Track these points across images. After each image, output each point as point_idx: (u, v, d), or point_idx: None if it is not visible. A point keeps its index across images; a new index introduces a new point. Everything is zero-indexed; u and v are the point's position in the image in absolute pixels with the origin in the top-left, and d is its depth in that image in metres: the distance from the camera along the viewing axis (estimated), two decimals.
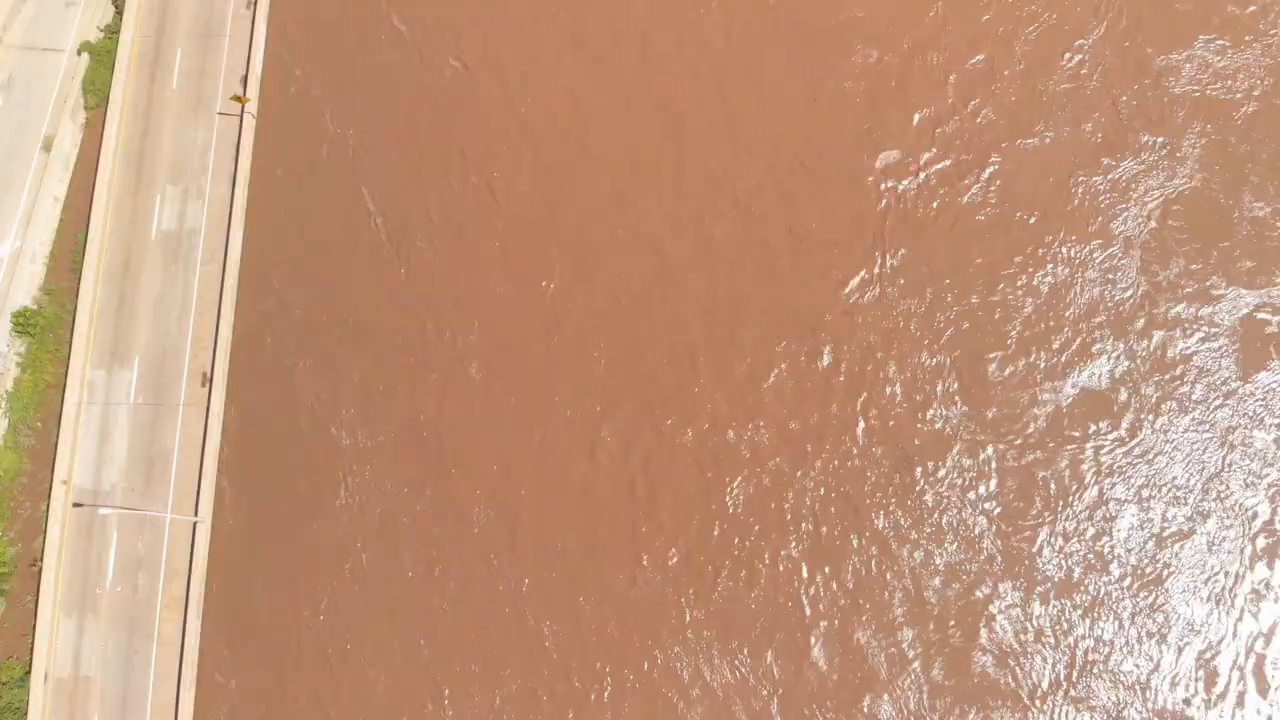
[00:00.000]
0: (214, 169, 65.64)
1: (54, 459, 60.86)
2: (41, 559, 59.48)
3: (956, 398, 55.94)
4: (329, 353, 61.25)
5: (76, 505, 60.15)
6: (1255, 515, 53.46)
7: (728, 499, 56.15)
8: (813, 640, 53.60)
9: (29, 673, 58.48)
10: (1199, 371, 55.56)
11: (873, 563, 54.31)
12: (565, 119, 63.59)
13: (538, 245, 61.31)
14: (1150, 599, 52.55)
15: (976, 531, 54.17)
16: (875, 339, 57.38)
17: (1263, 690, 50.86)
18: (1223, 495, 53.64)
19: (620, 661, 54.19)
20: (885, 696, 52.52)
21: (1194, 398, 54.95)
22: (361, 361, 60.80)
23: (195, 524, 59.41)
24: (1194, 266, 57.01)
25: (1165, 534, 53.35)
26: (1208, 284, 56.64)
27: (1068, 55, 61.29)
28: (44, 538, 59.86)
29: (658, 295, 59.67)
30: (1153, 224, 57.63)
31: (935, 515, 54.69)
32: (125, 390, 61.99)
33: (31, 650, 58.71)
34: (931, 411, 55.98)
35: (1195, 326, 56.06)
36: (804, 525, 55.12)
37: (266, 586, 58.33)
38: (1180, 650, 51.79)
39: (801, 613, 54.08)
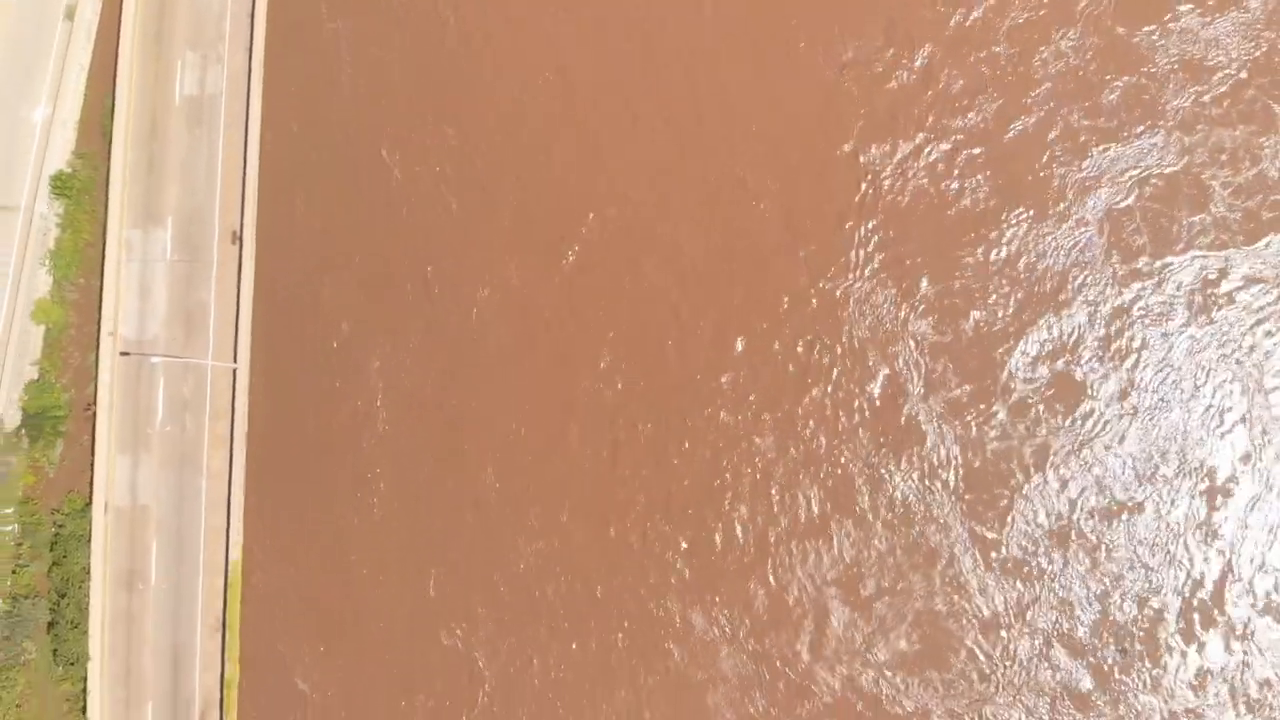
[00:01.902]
0: (230, 36, 68.48)
1: (99, 312, 65.71)
2: (95, 403, 64.96)
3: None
4: (350, 211, 65.36)
5: (123, 354, 65.30)
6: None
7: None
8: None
9: (89, 504, 64.69)
10: (1156, 363, 55.92)
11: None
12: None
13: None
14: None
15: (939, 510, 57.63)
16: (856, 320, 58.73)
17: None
18: None
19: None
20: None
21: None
22: (378, 214, 64.80)
23: (234, 370, 64.74)
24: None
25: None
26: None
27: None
28: (95, 384, 65.21)
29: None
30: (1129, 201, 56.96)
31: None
32: (161, 248, 66.43)
33: (91, 485, 64.78)
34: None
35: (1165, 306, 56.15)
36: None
37: (302, 423, 64.00)
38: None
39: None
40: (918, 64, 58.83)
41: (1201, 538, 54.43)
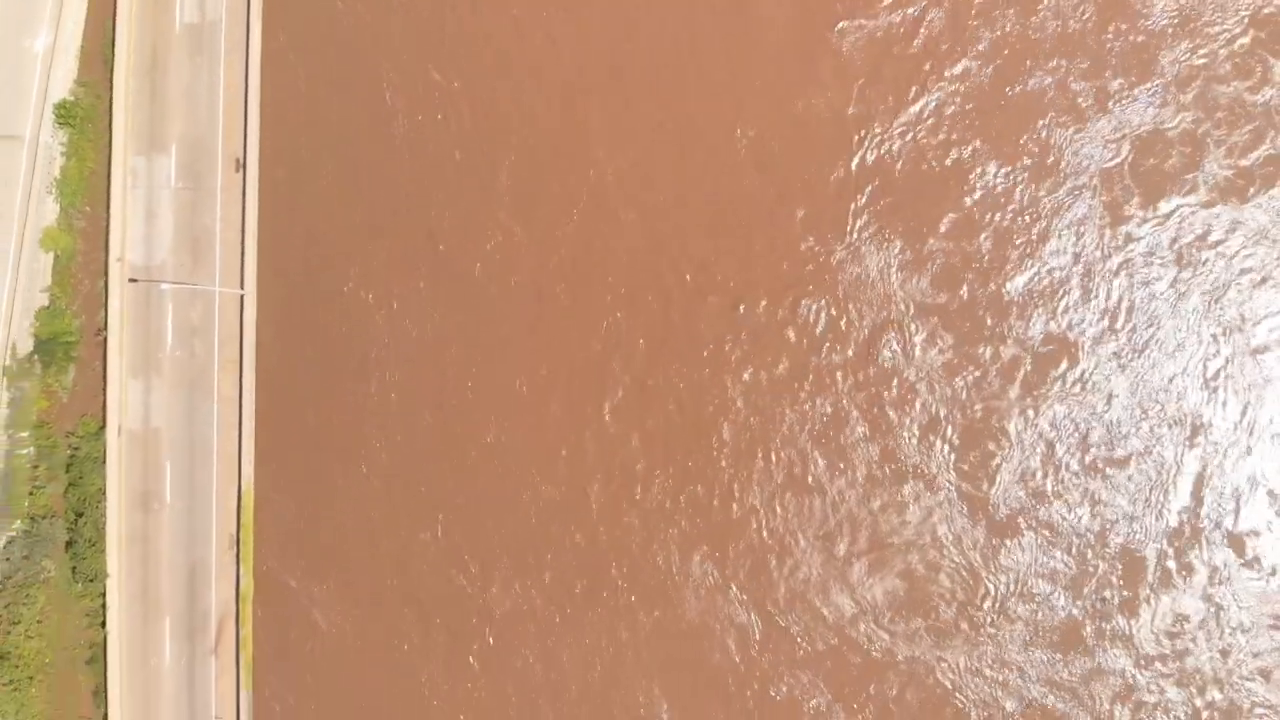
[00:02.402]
0: None
1: (106, 239, 66.79)
2: (105, 328, 66.35)
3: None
4: (353, 139, 66.23)
5: (132, 280, 66.53)
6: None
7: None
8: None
9: (103, 427, 66.40)
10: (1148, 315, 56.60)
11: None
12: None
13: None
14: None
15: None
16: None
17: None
18: None
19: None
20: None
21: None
22: (378, 142, 65.72)
23: (241, 296, 66.07)
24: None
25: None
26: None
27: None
28: (105, 310, 66.54)
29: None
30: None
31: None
32: (165, 175, 67.32)
33: (104, 408, 66.42)
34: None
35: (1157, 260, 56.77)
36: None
37: (309, 347, 65.53)
38: None
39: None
40: (915, 17, 58.31)
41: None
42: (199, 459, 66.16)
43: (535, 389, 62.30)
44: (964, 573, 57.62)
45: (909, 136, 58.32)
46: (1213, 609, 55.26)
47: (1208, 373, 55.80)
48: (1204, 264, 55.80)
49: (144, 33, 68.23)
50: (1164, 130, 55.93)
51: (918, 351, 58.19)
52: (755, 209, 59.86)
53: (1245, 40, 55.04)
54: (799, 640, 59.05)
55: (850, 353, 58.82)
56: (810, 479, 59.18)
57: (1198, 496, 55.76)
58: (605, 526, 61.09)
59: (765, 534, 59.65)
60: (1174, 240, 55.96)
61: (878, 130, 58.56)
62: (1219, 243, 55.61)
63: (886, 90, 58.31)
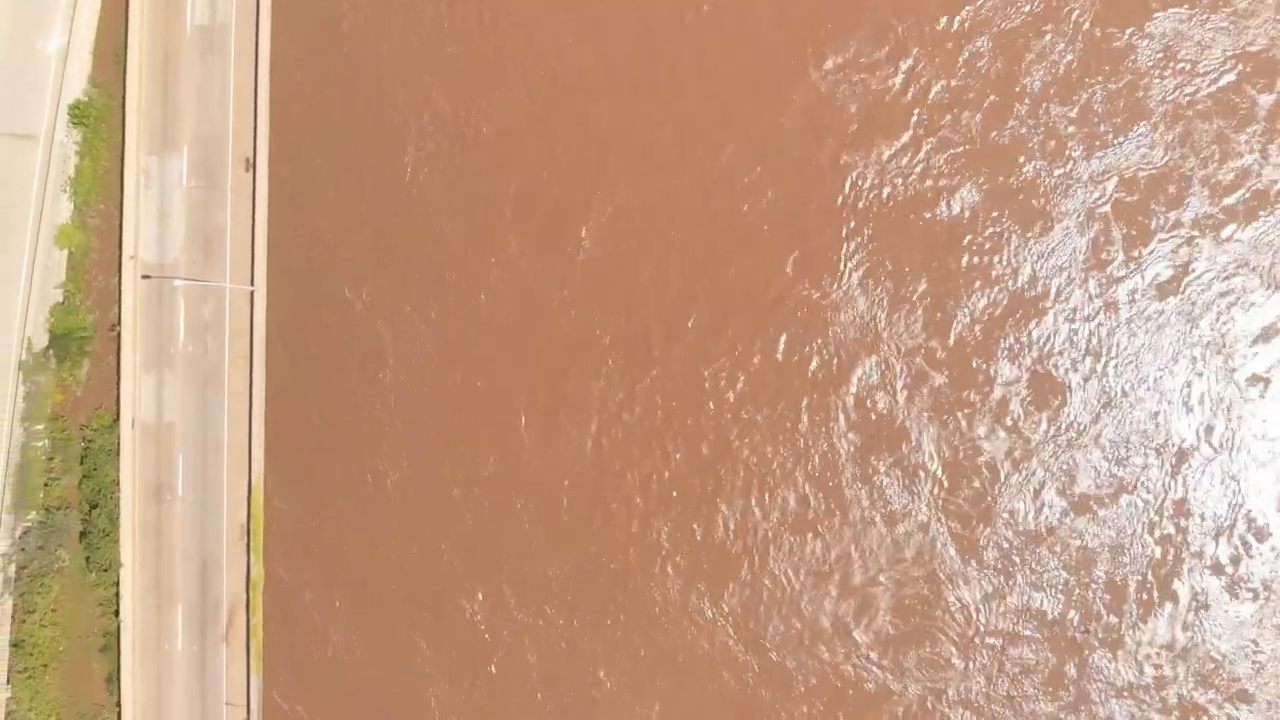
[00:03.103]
0: None
1: (119, 237, 68.31)
2: (119, 324, 67.88)
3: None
4: (361, 138, 67.72)
5: (145, 277, 68.06)
6: None
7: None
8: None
9: (117, 420, 67.96)
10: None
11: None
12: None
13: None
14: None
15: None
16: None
17: None
18: None
19: None
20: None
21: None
22: (385, 139, 67.17)
23: (251, 292, 67.61)
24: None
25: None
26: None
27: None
28: (119, 306, 68.06)
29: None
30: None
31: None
32: (177, 175, 68.83)
33: (118, 402, 67.97)
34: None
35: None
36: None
37: (317, 341, 67.08)
38: None
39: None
40: (903, 68, 59.71)
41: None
42: (210, 452, 67.73)
43: (537, 420, 63.75)
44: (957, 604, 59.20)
45: (898, 179, 59.61)
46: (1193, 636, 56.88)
47: (1193, 400, 57.26)
48: (1189, 294, 57.15)
49: (156, 35, 69.71)
50: (1149, 169, 57.20)
51: (905, 391, 59.55)
52: (750, 248, 61.19)
53: (1229, 78, 56.38)
54: (795, 676, 60.57)
55: (839, 390, 60.12)
56: (808, 514, 60.61)
57: (1184, 522, 57.26)
58: (607, 556, 62.59)
59: (758, 567, 61.04)
60: (1158, 276, 57.27)
61: (868, 173, 59.81)
62: (1203, 274, 56.97)
63: (878, 134, 59.61)
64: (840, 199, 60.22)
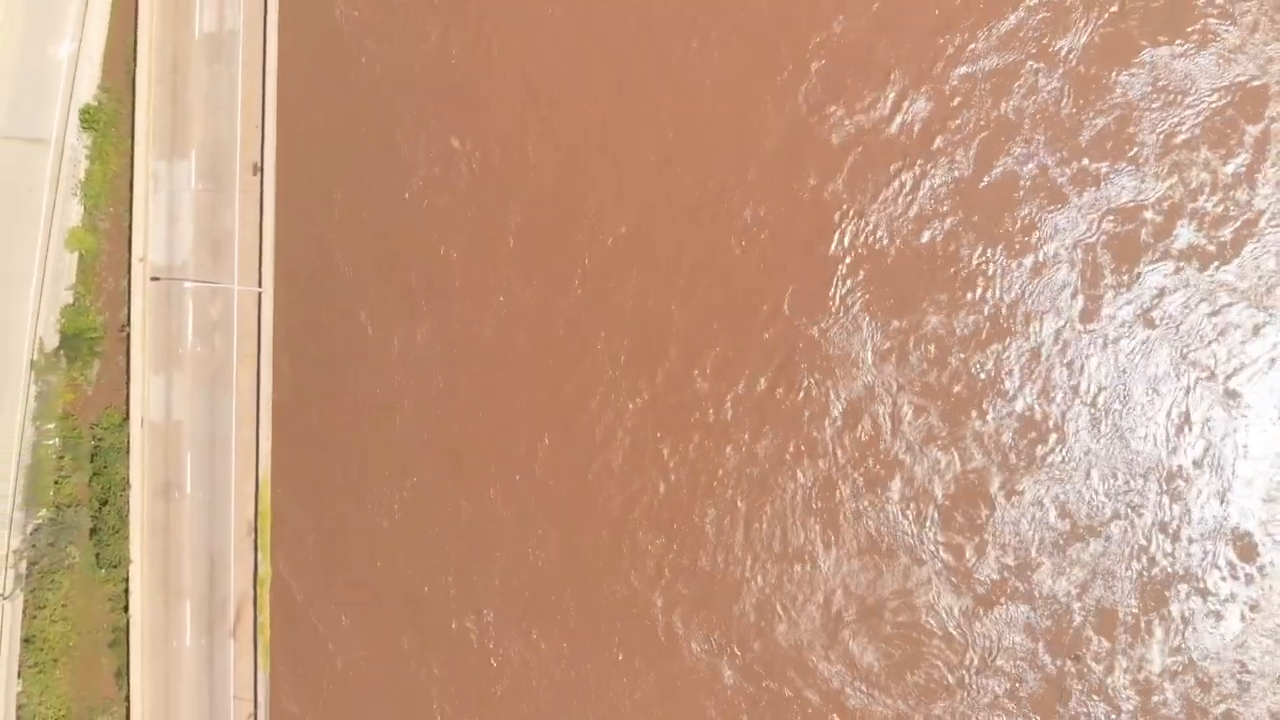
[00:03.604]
0: None
1: (129, 239, 69.68)
2: (129, 325, 69.24)
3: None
4: (364, 145, 69.17)
5: (154, 279, 69.44)
6: None
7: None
8: None
9: (126, 419, 69.32)
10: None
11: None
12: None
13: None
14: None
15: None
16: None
17: None
18: None
19: None
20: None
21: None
22: (393, 143, 68.61)
23: (259, 293, 69.01)
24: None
25: None
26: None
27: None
28: (128, 307, 69.43)
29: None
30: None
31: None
32: (186, 179, 70.21)
33: (128, 401, 69.34)
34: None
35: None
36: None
37: (323, 343, 68.51)
38: None
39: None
40: (893, 104, 60.76)
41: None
42: (218, 450, 69.12)
43: (536, 454, 65.18)
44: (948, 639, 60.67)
45: (891, 217, 60.88)
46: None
47: (1181, 423, 58.41)
48: (1180, 326, 58.33)
49: (164, 41, 71.09)
50: (1140, 202, 58.38)
51: (896, 426, 60.78)
52: (746, 284, 62.42)
53: (1218, 110, 57.58)
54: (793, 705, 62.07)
55: (834, 426, 61.37)
56: (803, 549, 62.02)
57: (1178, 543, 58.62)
58: (608, 585, 64.03)
59: (757, 600, 62.43)
60: (1148, 308, 58.45)
61: (861, 212, 61.11)
62: (1193, 308, 58.28)
63: (870, 174, 60.88)
64: (833, 236, 61.46)
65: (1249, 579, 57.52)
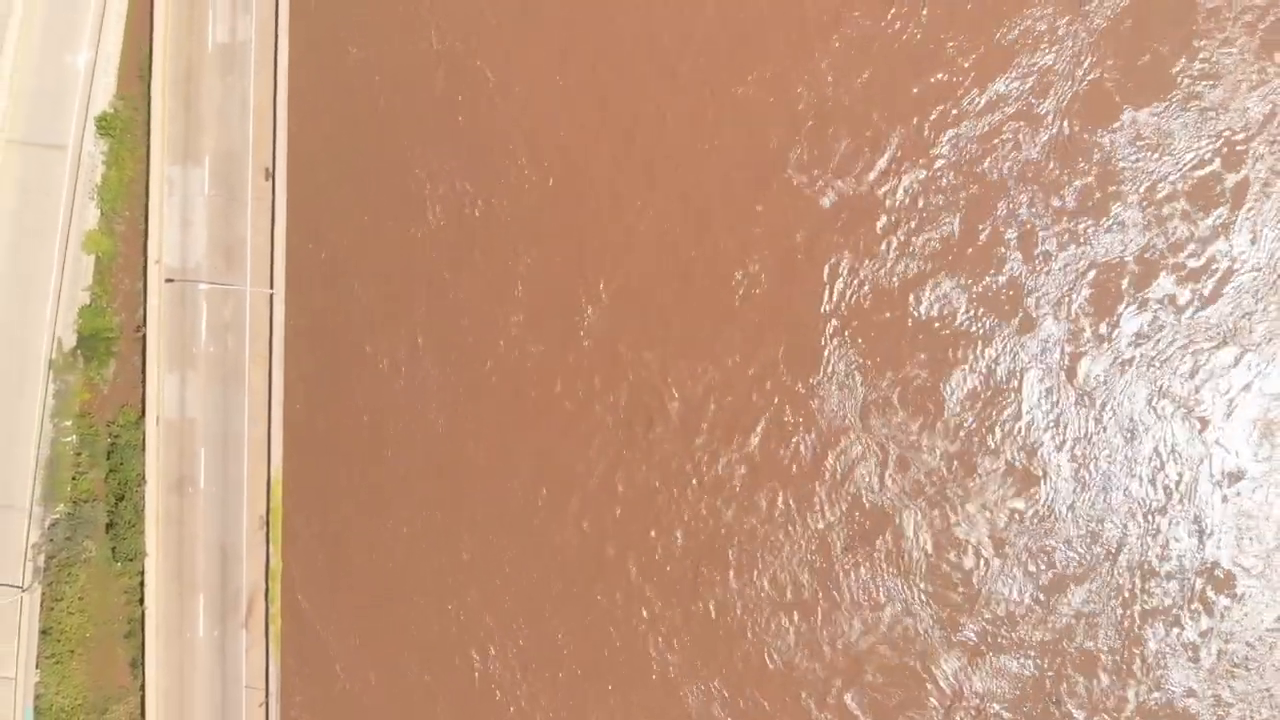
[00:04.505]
0: None
1: (145, 243, 71.98)
2: (144, 325, 71.53)
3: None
4: (379, 151, 71.58)
5: (168, 281, 71.74)
6: None
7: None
8: None
9: (142, 416, 71.56)
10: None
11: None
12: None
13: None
14: None
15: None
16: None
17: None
18: None
19: None
20: None
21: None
22: (403, 150, 71.11)
23: (270, 295, 71.36)
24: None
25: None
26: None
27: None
28: (144, 308, 71.73)
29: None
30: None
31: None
32: (199, 184, 72.55)
33: (143, 399, 71.61)
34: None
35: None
36: None
37: (334, 343, 70.86)
38: None
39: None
40: (881, 165, 63.07)
41: None
42: (231, 446, 71.40)
43: (537, 503, 67.76)
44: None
45: (878, 276, 63.36)
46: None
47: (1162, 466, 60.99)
48: (1159, 368, 60.79)
49: (179, 51, 73.45)
50: (1123, 258, 60.83)
51: (887, 480, 63.32)
52: (740, 341, 64.94)
53: (1196, 167, 60.13)
54: None
55: (823, 480, 63.93)
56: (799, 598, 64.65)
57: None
58: (607, 628, 66.63)
59: (750, 649, 65.03)
60: (1130, 355, 60.93)
61: (851, 271, 63.61)
62: (1172, 348, 60.78)
63: (859, 234, 63.46)
64: (823, 296, 63.86)
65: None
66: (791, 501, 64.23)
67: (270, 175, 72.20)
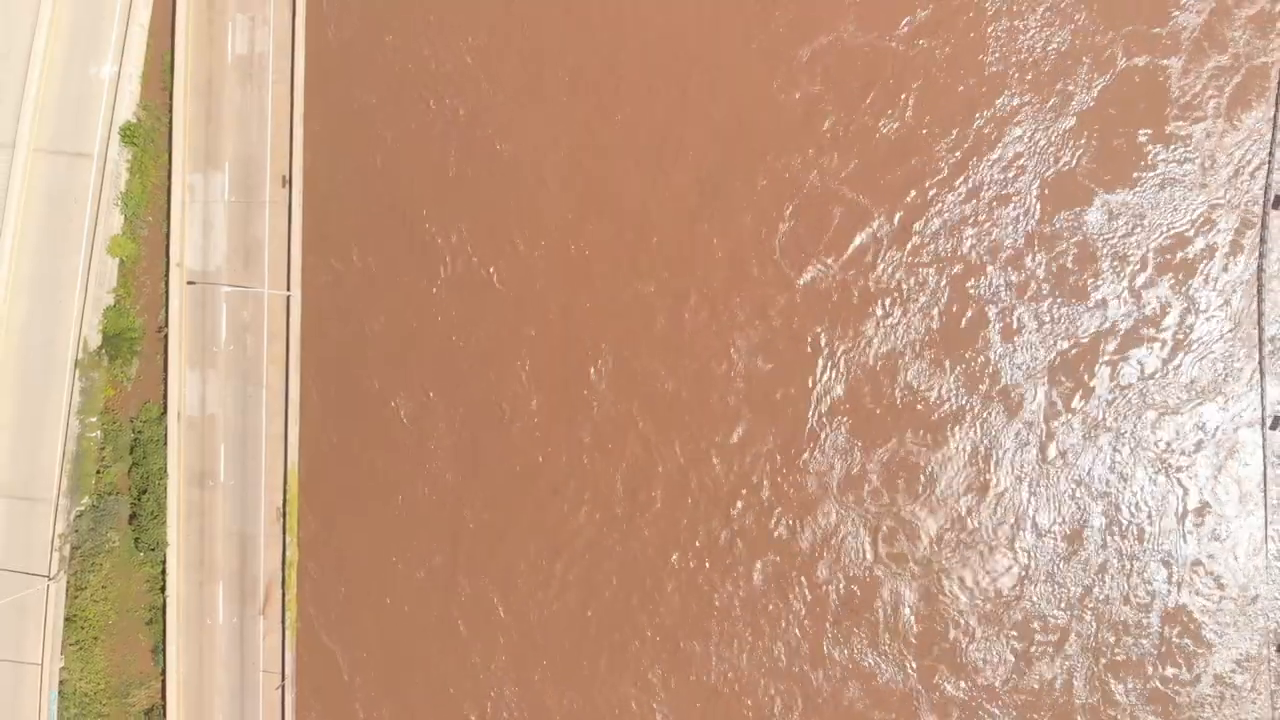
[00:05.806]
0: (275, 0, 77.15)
1: (167, 246, 75.14)
2: (166, 325, 74.66)
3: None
4: (393, 160, 74.69)
5: (190, 283, 74.88)
6: None
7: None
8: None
9: (164, 413, 74.68)
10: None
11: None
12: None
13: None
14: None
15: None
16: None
17: None
18: None
19: None
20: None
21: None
22: (416, 157, 74.27)
23: (288, 297, 74.50)
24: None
25: None
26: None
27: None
28: (166, 309, 74.87)
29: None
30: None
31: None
32: (220, 190, 75.71)
33: (165, 396, 74.72)
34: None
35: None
36: None
37: (348, 344, 73.97)
38: None
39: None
40: (864, 252, 67.11)
41: None
42: (249, 442, 74.53)
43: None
44: None
45: (863, 359, 67.38)
46: None
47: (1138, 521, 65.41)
48: (1136, 431, 64.99)
49: (199, 62, 76.61)
50: (1098, 329, 65.01)
51: (875, 552, 67.20)
52: (732, 419, 68.86)
53: (1169, 242, 64.26)
54: None
55: (811, 555, 67.77)
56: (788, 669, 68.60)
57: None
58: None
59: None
60: (1107, 423, 65.10)
61: (836, 356, 67.63)
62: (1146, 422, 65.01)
63: (844, 319, 67.51)
64: (809, 377, 67.90)
65: None
66: (789, 574, 68.14)
67: (287, 182, 75.32)
